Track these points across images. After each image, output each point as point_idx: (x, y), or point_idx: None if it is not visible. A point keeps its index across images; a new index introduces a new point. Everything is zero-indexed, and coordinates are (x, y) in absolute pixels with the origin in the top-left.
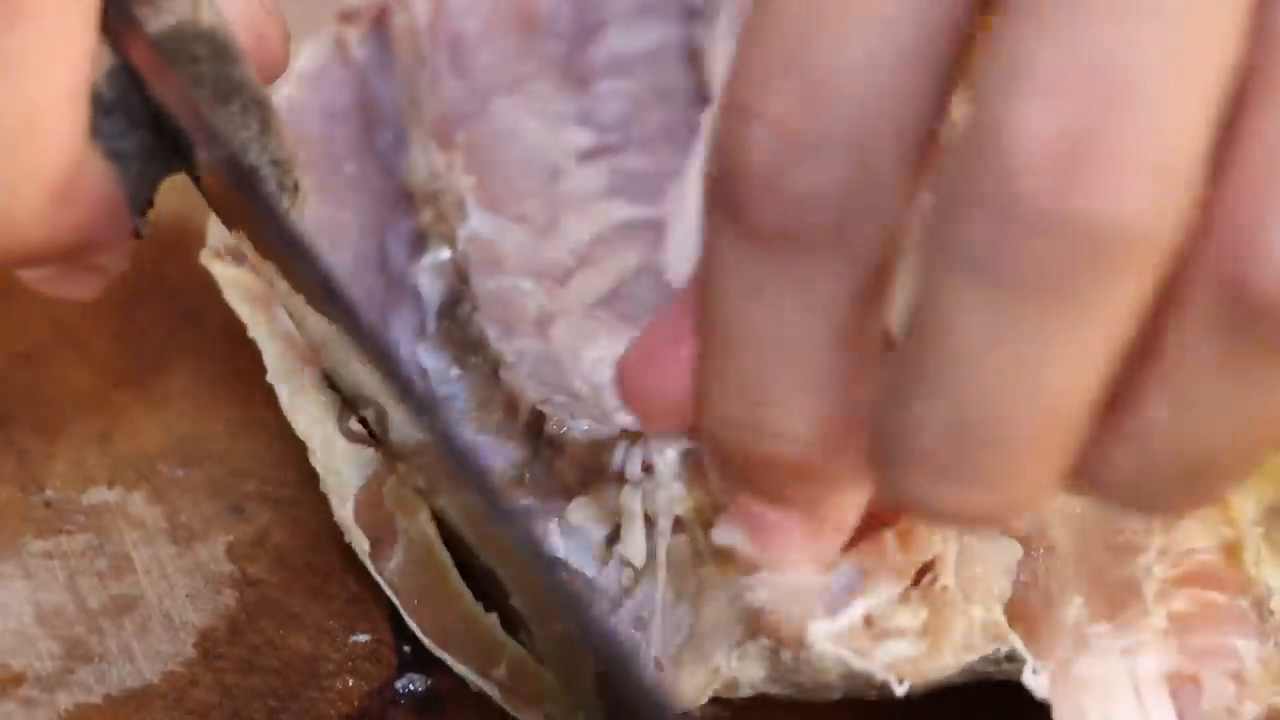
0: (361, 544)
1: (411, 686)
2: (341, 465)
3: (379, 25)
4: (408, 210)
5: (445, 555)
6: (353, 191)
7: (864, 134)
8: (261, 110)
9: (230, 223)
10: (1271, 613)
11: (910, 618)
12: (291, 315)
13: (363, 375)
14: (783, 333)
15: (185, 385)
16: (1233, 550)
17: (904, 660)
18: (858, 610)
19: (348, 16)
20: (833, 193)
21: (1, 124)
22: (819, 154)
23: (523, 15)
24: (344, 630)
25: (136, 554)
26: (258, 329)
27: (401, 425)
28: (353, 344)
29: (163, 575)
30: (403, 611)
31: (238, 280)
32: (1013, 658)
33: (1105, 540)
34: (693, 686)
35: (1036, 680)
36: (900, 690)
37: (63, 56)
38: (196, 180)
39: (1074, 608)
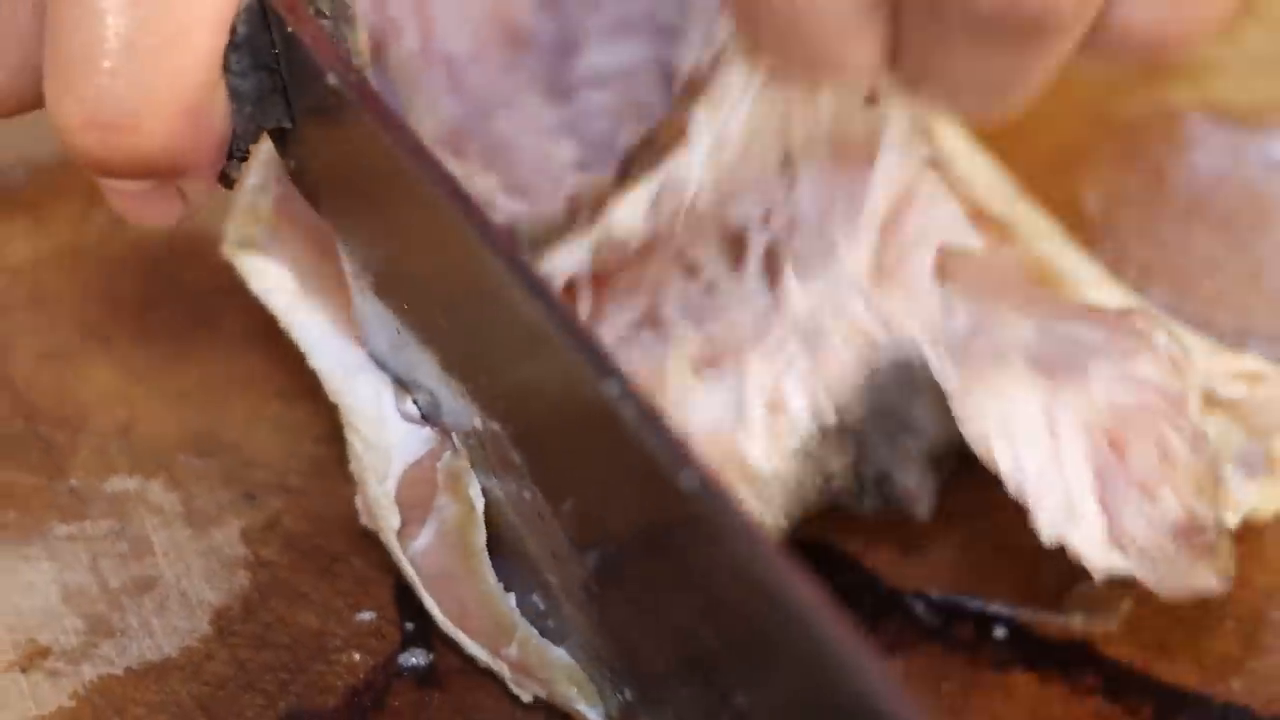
0: (392, 521)
1: (413, 661)
2: (393, 443)
3: (376, 58)
4: None
5: (480, 534)
6: None
7: None
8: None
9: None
10: (1208, 440)
11: None
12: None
13: (416, 359)
14: None
15: (201, 382)
16: (1179, 402)
17: None
18: None
19: None
20: None
21: (156, 30)
22: None
23: (508, 32)
24: (350, 609)
25: (155, 537)
26: (295, 314)
27: (452, 411)
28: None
29: (180, 557)
30: (421, 590)
31: (266, 271)
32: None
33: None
34: None
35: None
36: None
37: None
38: (283, 139)
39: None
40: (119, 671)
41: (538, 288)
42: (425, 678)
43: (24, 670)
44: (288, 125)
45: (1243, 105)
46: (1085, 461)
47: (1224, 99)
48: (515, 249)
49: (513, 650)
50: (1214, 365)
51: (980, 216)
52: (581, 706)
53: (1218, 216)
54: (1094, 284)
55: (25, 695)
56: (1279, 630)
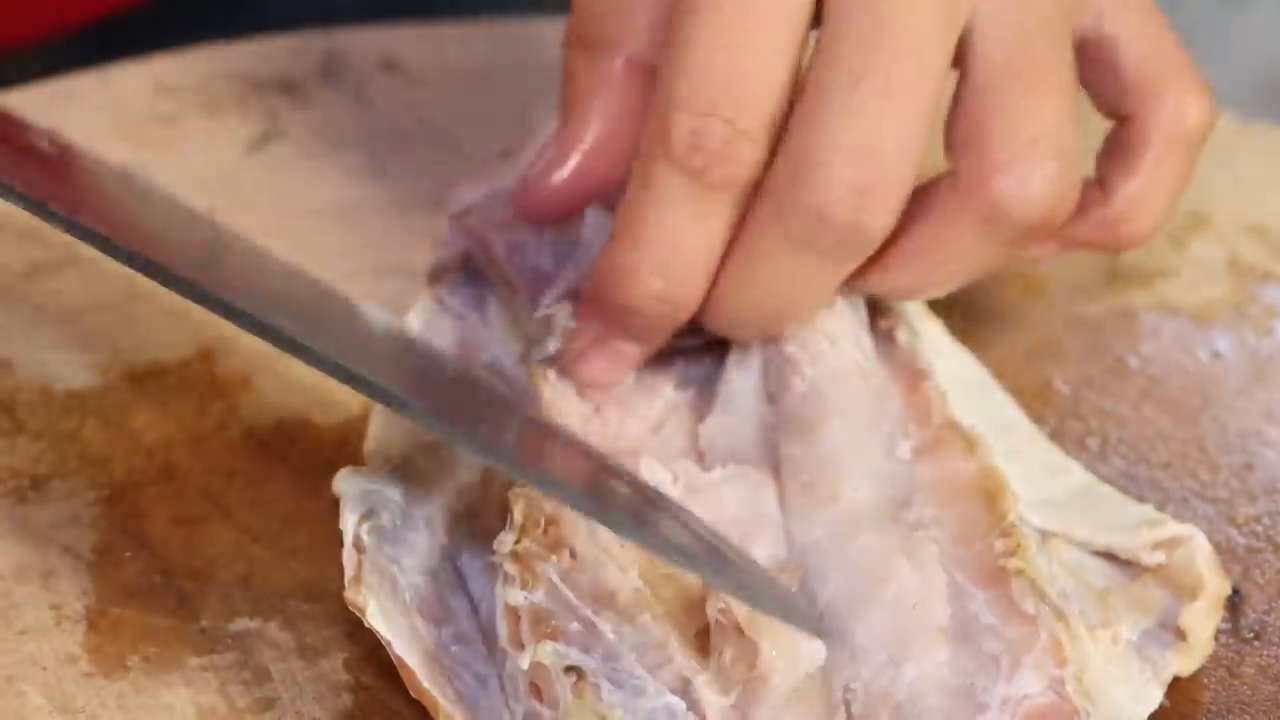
0: None
1: None
2: None
3: (467, 268)
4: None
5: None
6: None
7: (755, 132)
8: None
9: None
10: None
11: None
12: None
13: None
14: (687, 237)
15: (308, 541)
16: (1056, 686)
17: None
18: None
19: (436, 275)
20: (740, 161)
21: None
22: (733, 145)
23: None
24: None
25: (273, 668)
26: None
27: None
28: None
29: (294, 683)
30: None
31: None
32: None
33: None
34: None
35: None
36: None
37: None
38: None
39: None
40: None
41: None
42: None
43: None
44: None
45: (1190, 305)
46: None
47: (1174, 300)
48: None
49: None
50: (1140, 539)
51: (952, 428)
52: None
53: (1169, 398)
54: (1027, 500)
55: None
56: None
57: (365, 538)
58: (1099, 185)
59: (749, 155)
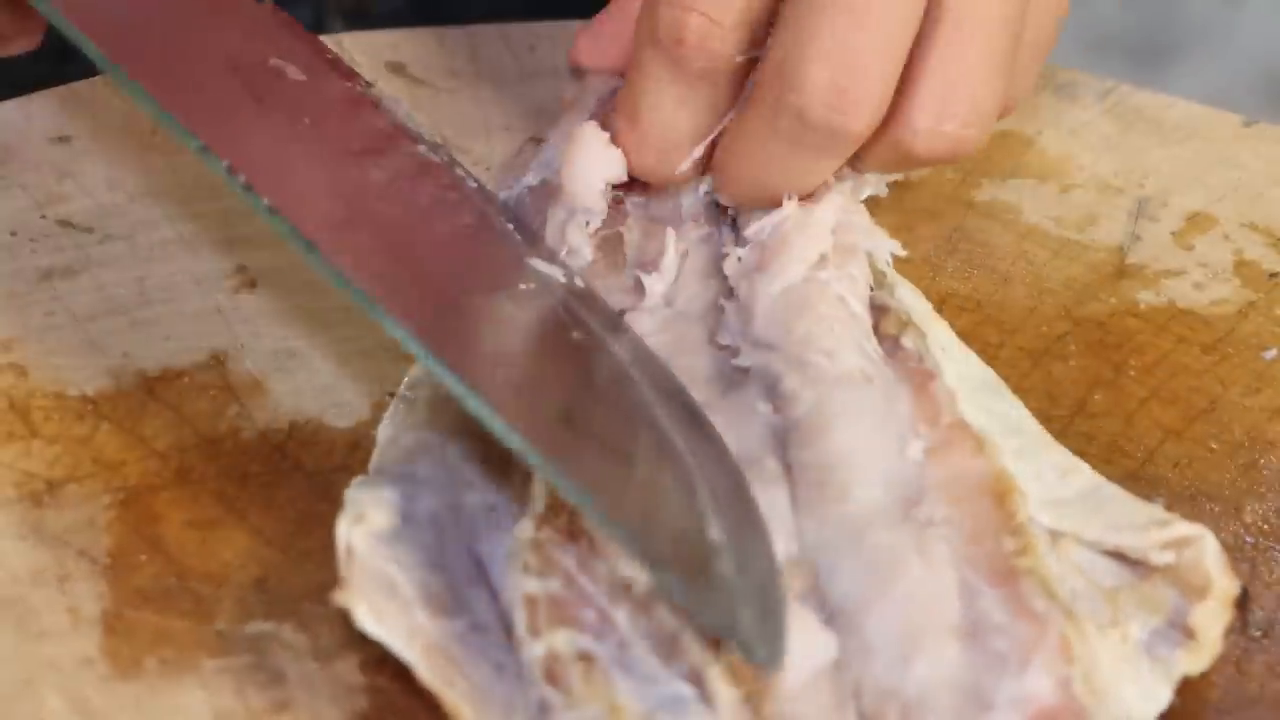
0: None
1: None
2: None
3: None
4: None
5: None
6: None
7: (730, 27)
8: None
9: None
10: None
11: None
12: None
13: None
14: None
15: (322, 543)
16: (1065, 685)
17: None
18: None
19: None
20: (716, 54)
21: None
22: (710, 38)
23: None
24: None
25: (289, 670)
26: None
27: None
28: None
29: (309, 685)
30: None
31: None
32: None
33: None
34: None
35: None
36: None
37: None
38: None
39: None
40: None
41: None
42: None
43: None
44: None
45: (1197, 304)
46: None
47: (1181, 299)
48: None
49: None
50: (1149, 539)
51: (961, 429)
52: None
53: (1176, 398)
54: (1036, 500)
55: None
56: None
57: (357, 543)
58: None
59: (724, 49)
